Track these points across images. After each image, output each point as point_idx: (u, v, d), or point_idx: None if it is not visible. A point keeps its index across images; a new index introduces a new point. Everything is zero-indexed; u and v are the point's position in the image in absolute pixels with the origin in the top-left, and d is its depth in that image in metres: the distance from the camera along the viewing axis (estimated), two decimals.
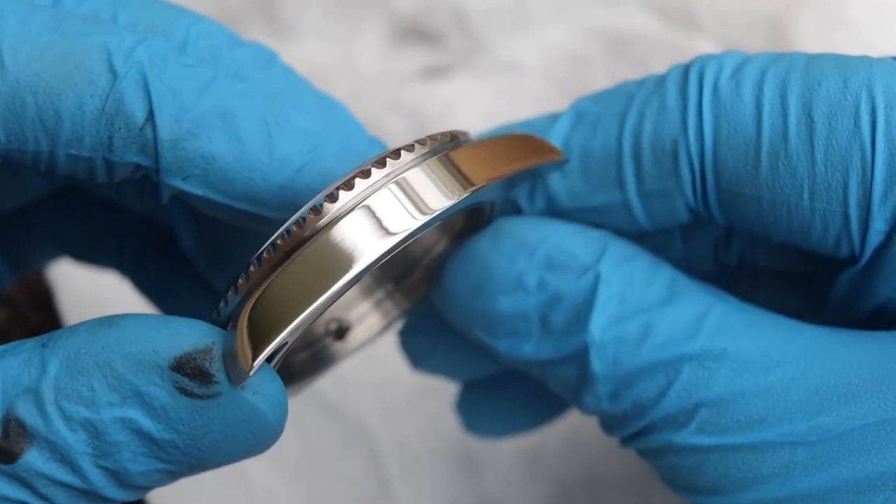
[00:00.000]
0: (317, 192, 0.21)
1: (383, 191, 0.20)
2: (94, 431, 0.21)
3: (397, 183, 0.21)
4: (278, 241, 0.20)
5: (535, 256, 0.24)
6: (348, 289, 0.20)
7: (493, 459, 0.39)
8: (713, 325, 0.23)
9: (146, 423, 0.21)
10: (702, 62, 0.24)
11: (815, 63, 0.23)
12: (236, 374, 0.21)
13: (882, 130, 0.22)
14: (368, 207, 0.20)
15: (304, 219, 0.20)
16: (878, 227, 0.23)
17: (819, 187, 0.23)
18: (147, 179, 0.23)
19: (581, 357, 0.24)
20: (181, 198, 0.23)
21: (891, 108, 0.22)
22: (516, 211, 0.26)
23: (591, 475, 0.38)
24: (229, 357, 0.21)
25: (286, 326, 0.20)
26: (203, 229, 0.29)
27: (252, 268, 0.21)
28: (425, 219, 0.20)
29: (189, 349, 0.21)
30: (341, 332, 0.29)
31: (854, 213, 0.23)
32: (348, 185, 0.20)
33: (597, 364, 0.24)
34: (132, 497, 0.22)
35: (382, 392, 0.33)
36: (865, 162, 0.22)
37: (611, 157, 0.25)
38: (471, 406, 0.31)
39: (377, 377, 0.38)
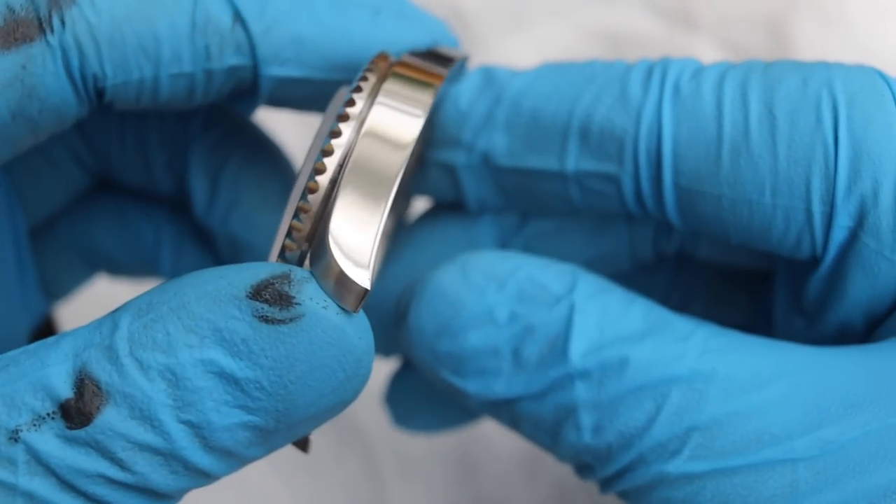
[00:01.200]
0: (391, 45, 0.25)
1: (381, 96, 0.22)
2: (173, 379, 0.19)
3: (385, 92, 0.22)
4: (314, 174, 0.21)
5: (506, 288, 0.24)
6: (405, 167, 0.21)
7: (490, 462, 0.39)
8: (699, 345, 0.23)
9: (227, 362, 0.20)
10: (666, 62, 0.24)
11: (773, 66, 0.24)
12: (347, 289, 0.20)
13: (845, 125, 0.22)
14: (382, 104, 0.22)
15: (332, 133, 0.22)
16: (843, 223, 0.23)
17: (781, 184, 0.23)
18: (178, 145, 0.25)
19: (558, 389, 0.23)
20: (277, 96, 0.25)
21: (852, 104, 0.22)
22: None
23: None
24: (328, 280, 0.20)
25: (380, 214, 0.20)
26: (216, 188, 0.29)
27: (303, 202, 0.21)
28: (433, 90, 0.22)
29: (266, 276, 0.20)
30: None
31: (817, 208, 0.23)
32: (351, 103, 0.22)
33: (580, 391, 0.23)
34: (219, 468, 0.21)
35: (378, 396, 0.33)
36: (828, 157, 0.22)
37: (558, 126, 0.25)
38: (401, 398, 0.30)
39: (373, 381, 0.38)
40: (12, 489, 0.19)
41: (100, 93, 0.23)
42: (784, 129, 0.23)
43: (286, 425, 0.21)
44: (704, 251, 0.27)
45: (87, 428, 0.19)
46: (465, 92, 0.26)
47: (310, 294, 0.20)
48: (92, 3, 0.22)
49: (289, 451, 0.39)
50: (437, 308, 0.24)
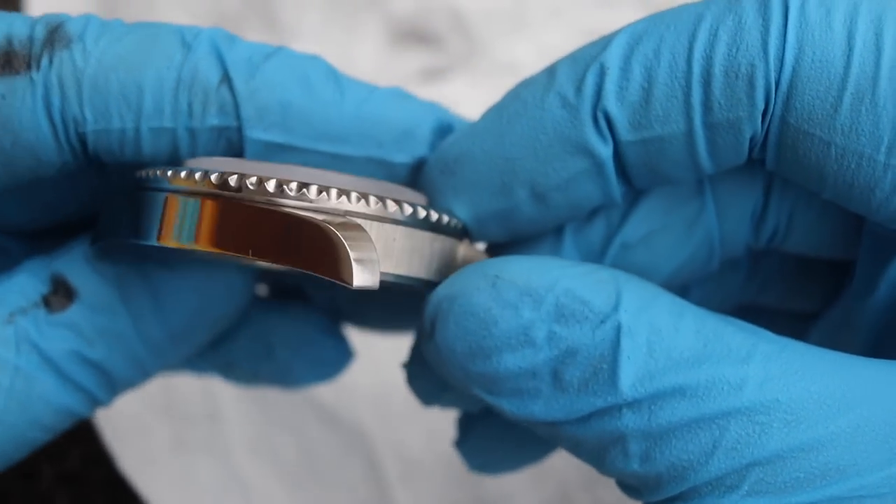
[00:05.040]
0: (386, 122, 0.24)
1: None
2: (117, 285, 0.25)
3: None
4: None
5: (543, 306, 0.22)
6: None
7: None
8: (759, 371, 0.21)
9: None
10: None
11: None
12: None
13: None
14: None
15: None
16: None
17: None
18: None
19: (604, 416, 0.21)
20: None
21: None
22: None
23: (592, 476, 0.38)
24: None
25: None
26: None
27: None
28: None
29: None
30: None
31: None
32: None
33: (629, 422, 0.21)
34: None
35: (380, 398, 0.33)
36: None
37: (678, 80, 0.22)
38: (474, 443, 0.28)
39: (375, 384, 0.38)
40: (4, 363, 0.23)
41: (82, 140, 0.23)
42: None
43: (196, 329, 0.26)
44: (794, 244, 0.25)
45: (65, 312, 0.24)
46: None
47: None
48: (83, 49, 0.23)
49: (292, 455, 0.39)
50: (468, 327, 0.22)
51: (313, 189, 0.21)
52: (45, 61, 0.23)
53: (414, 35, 0.44)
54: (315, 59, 0.24)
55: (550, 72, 0.23)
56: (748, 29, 0.21)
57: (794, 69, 0.21)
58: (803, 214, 0.25)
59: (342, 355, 0.29)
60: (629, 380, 0.21)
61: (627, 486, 0.22)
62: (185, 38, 0.23)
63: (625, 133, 0.22)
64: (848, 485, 0.20)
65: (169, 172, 0.22)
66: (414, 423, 0.35)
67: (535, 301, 0.22)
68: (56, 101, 0.23)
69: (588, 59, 0.23)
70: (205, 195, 0.21)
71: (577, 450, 0.22)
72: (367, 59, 0.43)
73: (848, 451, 0.20)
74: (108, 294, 0.24)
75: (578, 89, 0.22)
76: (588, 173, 0.23)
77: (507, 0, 0.43)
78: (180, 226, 0.21)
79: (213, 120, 0.23)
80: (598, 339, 0.21)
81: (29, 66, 0.23)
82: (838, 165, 0.21)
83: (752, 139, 0.22)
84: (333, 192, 0.21)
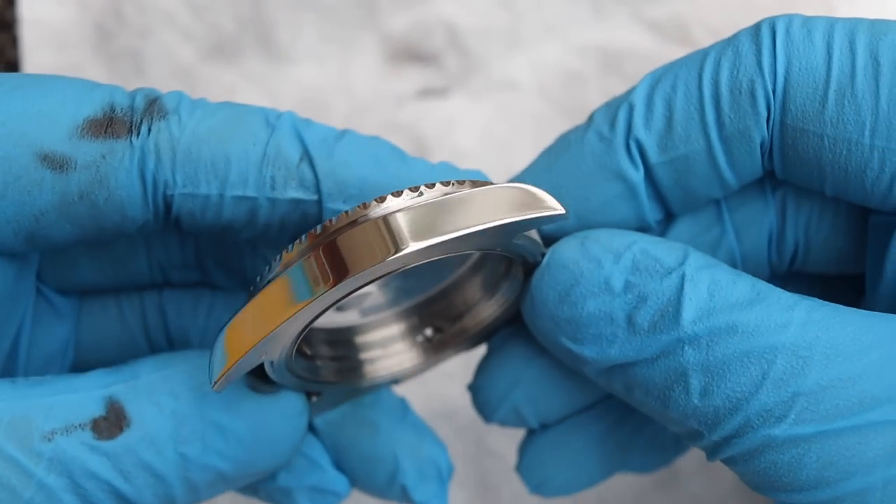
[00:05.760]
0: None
1: (312, 254, 0.23)
2: (178, 420, 0.25)
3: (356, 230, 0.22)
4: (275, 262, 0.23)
5: (622, 260, 0.25)
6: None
7: (505, 482, 0.39)
8: (802, 315, 0.24)
9: (220, 415, 0.25)
10: (771, 20, 0.26)
11: (879, 21, 0.25)
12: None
13: None
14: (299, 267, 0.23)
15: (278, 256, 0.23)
16: None
17: (881, 125, 0.24)
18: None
19: (670, 353, 0.24)
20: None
21: None
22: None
23: (602, 495, 0.38)
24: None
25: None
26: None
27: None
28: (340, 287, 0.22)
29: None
30: (386, 356, 0.30)
31: None
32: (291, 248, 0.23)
33: (690, 355, 0.24)
34: (185, 498, 0.26)
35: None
36: None
37: (693, 104, 0.26)
38: (534, 461, 0.31)
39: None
40: (30, 477, 0.23)
41: (168, 203, 0.25)
42: (887, 74, 0.24)
43: (244, 475, 0.26)
44: (813, 263, 0.28)
45: (112, 441, 0.24)
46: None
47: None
48: (179, 120, 0.25)
49: None
50: (559, 277, 0.26)
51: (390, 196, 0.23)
52: (144, 129, 0.25)
53: (410, 54, 0.44)
54: (379, 140, 0.27)
55: (590, 118, 0.27)
56: (745, 54, 0.25)
57: (785, 78, 0.25)
58: (817, 231, 0.28)
59: (341, 488, 0.30)
60: (690, 316, 0.24)
61: (691, 434, 0.25)
62: (269, 119, 0.26)
63: (654, 156, 0.26)
64: (882, 410, 0.23)
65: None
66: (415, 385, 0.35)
67: (615, 256, 0.25)
68: (151, 164, 0.25)
69: (619, 101, 0.27)
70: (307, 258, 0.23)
71: (647, 396, 0.25)
72: (364, 78, 0.43)
73: (880, 381, 0.23)
74: (163, 431, 0.25)
75: (612, 125, 0.26)
76: (623, 196, 0.27)
77: (503, 17, 0.44)
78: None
79: (294, 193, 0.26)
80: (666, 285, 0.25)
81: (130, 132, 0.25)
82: (832, 154, 0.25)
83: (762, 146, 0.26)
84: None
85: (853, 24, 0.25)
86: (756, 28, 0.26)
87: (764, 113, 0.25)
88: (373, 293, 0.30)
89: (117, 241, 0.29)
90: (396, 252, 0.22)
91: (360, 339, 0.30)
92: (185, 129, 0.25)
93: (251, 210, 0.26)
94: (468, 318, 0.30)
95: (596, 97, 0.43)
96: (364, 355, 0.30)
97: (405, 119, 0.43)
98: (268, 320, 0.22)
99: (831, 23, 0.25)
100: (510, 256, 0.26)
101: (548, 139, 0.29)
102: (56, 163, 0.24)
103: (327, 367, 0.29)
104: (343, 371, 0.29)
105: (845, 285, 0.29)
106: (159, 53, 0.43)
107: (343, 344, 0.30)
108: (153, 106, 0.25)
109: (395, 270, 0.23)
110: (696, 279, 0.25)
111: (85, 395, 0.24)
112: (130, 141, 0.25)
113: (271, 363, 0.25)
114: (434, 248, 0.22)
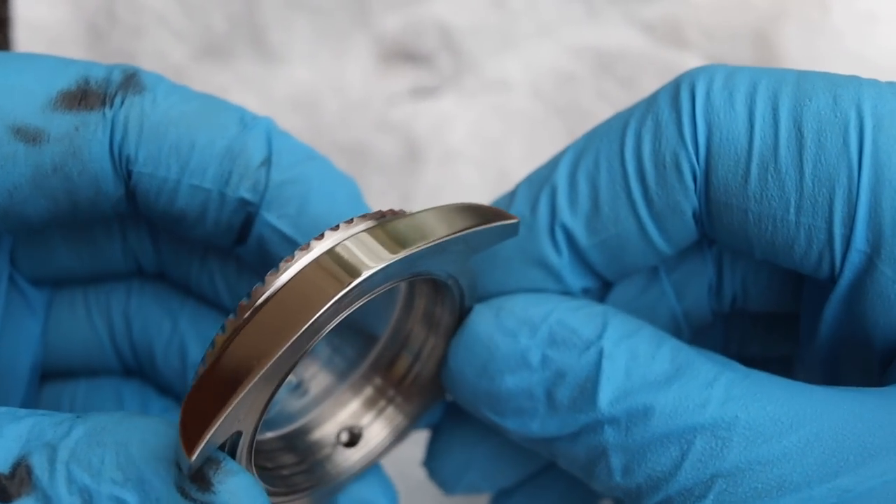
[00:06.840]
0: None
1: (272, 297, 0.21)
2: (88, 500, 0.21)
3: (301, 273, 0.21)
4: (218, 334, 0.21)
5: (538, 333, 0.25)
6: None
7: None
8: (722, 393, 0.23)
9: None
10: (691, 75, 0.24)
11: (805, 78, 0.24)
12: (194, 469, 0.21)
13: (869, 152, 0.22)
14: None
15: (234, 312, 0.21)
16: (860, 247, 0.23)
17: (806, 202, 0.23)
18: None
19: (589, 432, 0.24)
20: (259, 240, 0.26)
21: (878, 129, 0.22)
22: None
23: None
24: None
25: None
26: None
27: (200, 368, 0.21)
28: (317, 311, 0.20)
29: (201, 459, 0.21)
30: (353, 439, 0.29)
31: (838, 230, 0.23)
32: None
33: (609, 435, 0.23)
34: None
35: None
36: (852, 180, 0.22)
37: (618, 182, 0.25)
38: (441, 461, 0.30)
39: None
40: None
41: (128, 177, 0.25)
42: (811, 148, 0.23)
43: None
44: (754, 304, 0.28)
45: None
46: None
47: (229, 488, 0.21)
48: (154, 99, 0.25)
49: None
50: (475, 351, 0.25)
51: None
52: (117, 101, 0.25)
53: (403, 54, 0.44)
54: (347, 180, 0.26)
55: (512, 194, 0.27)
56: (665, 123, 0.24)
57: (707, 148, 0.24)
58: (754, 281, 0.27)
59: (389, 499, 0.30)
60: (607, 397, 0.24)
61: (618, 502, 0.25)
62: (245, 118, 0.25)
63: (584, 239, 0.25)
64: (800, 496, 0.22)
65: None
66: (416, 445, 0.35)
67: (531, 329, 0.25)
68: (118, 136, 0.24)
69: (541, 180, 0.26)
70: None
71: (572, 466, 0.25)
72: (356, 78, 0.43)
73: (799, 465, 0.22)
74: None
75: (533, 209, 0.26)
76: (545, 279, 0.26)
77: (495, 17, 0.44)
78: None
79: (244, 193, 0.25)
80: (584, 362, 0.24)
81: (103, 104, 0.24)
82: (758, 229, 0.24)
83: (695, 215, 0.25)
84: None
85: (777, 85, 0.23)
86: (675, 90, 0.24)
87: (691, 185, 0.24)
88: (315, 377, 0.29)
89: (93, 223, 0.28)
90: (354, 279, 0.20)
91: (319, 434, 0.29)
92: (157, 107, 0.25)
93: (204, 203, 0.25)
94: (419, 364, 0.28)
95: (589, 98, 0.43)
96: (327, 450, 0.29)
97: (397, 119, 0.43)
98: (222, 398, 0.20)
99: (754, 82, 0.24)
100: (447, 288, 0.25)
101: (540, 139, 0.28)
102: (29, 135, 0.24)
103: (297, 475, 0.28)
104: (314, 472, 0.28)
105: (789, 317, 0.29)
106: (152, 53, 0.43)
107: (303, 445, 0.28)
108: (130, 80, 0.25)
109: (341, 311, 0.21)
110: (613, 355, 0.24)
111: (1, 444, 0.22)
112: (103, 113, 0.24)
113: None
114: (384, 270, 0.21)
